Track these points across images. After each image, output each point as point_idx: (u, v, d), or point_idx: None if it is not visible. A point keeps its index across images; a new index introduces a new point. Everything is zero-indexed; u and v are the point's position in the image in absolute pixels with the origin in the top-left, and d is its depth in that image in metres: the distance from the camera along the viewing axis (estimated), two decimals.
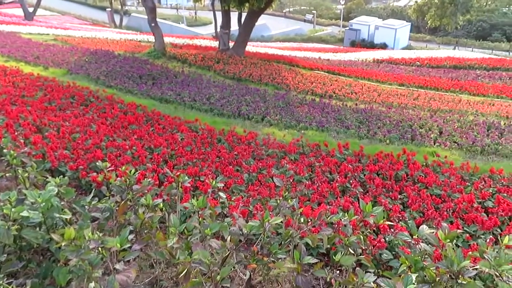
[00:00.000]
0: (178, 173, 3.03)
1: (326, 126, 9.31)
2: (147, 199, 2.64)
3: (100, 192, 3.75)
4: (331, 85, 14.80)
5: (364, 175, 5.83)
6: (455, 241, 3.92)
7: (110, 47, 18.97)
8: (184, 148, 6.21)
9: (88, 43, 20.04)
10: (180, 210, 4.00)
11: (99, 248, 2.13)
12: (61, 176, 3.08)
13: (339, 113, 10.52)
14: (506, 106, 13.01)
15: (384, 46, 36.51)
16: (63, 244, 2.07)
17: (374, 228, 3.91)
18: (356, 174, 5.79)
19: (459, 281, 2.09)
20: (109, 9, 44.21)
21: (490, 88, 16.33)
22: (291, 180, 5.28)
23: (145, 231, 2.60)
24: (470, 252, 2.40)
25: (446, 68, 22.16)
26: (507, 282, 1.85)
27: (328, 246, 2.81)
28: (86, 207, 2.79)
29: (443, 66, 22.71)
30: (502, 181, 5.91)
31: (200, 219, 2.58)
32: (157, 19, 18.55)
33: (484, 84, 17.16)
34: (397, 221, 4.26)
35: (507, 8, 50.07)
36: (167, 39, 21.00)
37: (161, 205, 2.73)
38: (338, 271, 3.25)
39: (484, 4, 49.48)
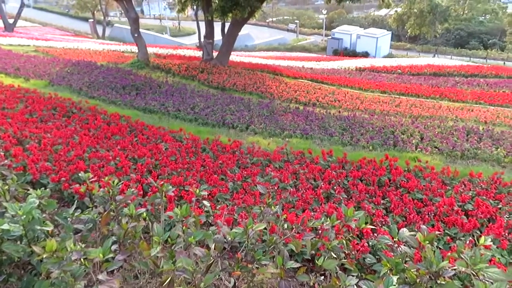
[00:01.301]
0: (162, 183, 3.04)
1: (310, 133, 9.40)
2: (131, 209, 2.63)
3: (83, 203, 3.71)
4: (314, 93, 14.96)
5: (348, 181, 5.90)
6: (436, 243, 4.01)
7: (93, 58, 18.85)
8: (169, 158, 6.20)
9: (70, 54, 19.87)
10: (165, 219, 3.99)
11: (82, 260, 2.12)
12: (43, 188, 3.05)
13: (322, 120, 10.63)
14: (484, 112, 13.34)
15: (366, 55, 37.16)
16: (44, 256, 2.05)
17: (358, 233, 3.97)
18: (340, 180, 5.85)
19: (438, 281, 2.14)
20: (92, 20, 44.03)
21: (469, 94, 16.74)
22: (276, 188, 5.32)
23: (129, 241, 2.59)
24: (449, 253, 2.46)
25: (426, 76, 22.65)
26: (483, 280, 1.91)
27: (313, 252, 2.84)
28: (68, 219, 2.76)
29: (423, 73, 23.21)
30: (481, 184, 6.06)
31: (184, 227, 2.59)
32: (141, 30, 18.55)
33: (463, 91, 17.58)
34: (380, 225, 4.33)
35: (483, 17, 51.58)
36: (150, 49, 20.97)
37: (145, 214, 2.73)
38: (322, 276, 3.29)
39: (461, 13, 50.88)
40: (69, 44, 24.52)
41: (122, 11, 19.16)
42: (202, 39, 19.09)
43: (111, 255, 2.24)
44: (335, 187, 5.53)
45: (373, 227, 3.95)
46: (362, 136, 9.38)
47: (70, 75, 13.98)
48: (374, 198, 5.27)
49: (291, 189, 5.33)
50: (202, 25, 18.64)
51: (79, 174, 3.64)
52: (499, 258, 3.65)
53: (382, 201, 5.23)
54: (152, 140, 7.42)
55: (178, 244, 2.38)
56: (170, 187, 3.10)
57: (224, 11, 15.63)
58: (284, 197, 5.02)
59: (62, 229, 2.82)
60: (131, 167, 5.66)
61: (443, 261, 2.14)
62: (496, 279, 1.90)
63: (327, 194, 5.41)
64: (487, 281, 1.97)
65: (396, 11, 49.13)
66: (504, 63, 35.95)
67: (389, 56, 38.47)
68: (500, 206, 5.32)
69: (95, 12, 45.41)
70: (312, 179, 5.92)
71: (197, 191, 2.97)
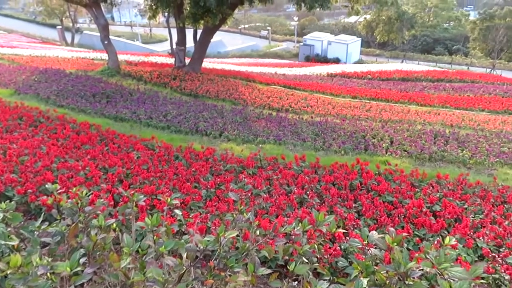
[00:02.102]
0: (133, 192, 2.99)
1: (283, 139, 9.47)
2: (100, 220, 2.58)
3: (51, 216, 3.61)
4: (287, 99, 15.11)
5: (321, 186, 5.97)
6: (406, 244, 4.11)
7: (61, 65, 18.39)
8: (140, 167, 6.11)
9: (37, 62, 19.33)
10: (137, 230, 3.92)
11: (49, 274, 2.06)
12: (8, 201, 2.94)
13: (295, 126, 10.74)
14: (450, 115, 13.82)
15: (337, 61, 37.84)
16: (9, 272, 1.98)
17: (331, 237, 4.02)
18: (312, 185, 5.92)
19: (407, 282, 2.19)
20: (60, 27, 43.03)
21: (436, 98, 17.32)
22: (249, 194, 5.32)
23: (98, 253, 2.53)
24: (417, 254, 2.53)
25: (395, 81, 23.27)
26: (448, 279, 1.97)
27: (287, 257, 2.86)
28: (35, 232, 2.68)
29: (392, 78, 23.84)
30: (448, 185, 6.27)
31: (156, 237, 2.55)
32: (111, 37, 18.25)
33: (430, 95, 18.17)
34: (352, 229, 4.40)
35: (447, 24, 53.56)
36: (121, 57, 20.66)
37: (114, 225, 2.68)
38: (296, 282, 3.31)
39: (427, 20, 52.66)
40: (36, 51, 23.84)
41: (92, 18, 18.81)
42: (174, 46, 18.93)
43: (80, 268, 2.18)
44: (308, 192, 5.59)
45: (345, 230, 4.02)
46: (334, 141, 9.53)
47: (37, 84, 13.59)
48: (346, 202, 5.36)
49: (265, 195, 5.35)
50: (174, 32, 18.52)
51: (46, 186, 3.53)
52: (465, 257, 3.78)
53: (354, 205, 5.33)
54: (124, 148, 7.30)
55: (149, 254, 2.35)
56: (141, 196, 3.06)
57: (195, 18, 15.60)
58: (257, 204, 5.03)
59: (29, 243, 2.73)
60: (102, 176, 5.55)
61: (411, 262, 2.20)
62: (459, 278, 1.97)
63: (300, 199, 5.45)
64: (452, 279, 2.04)
65: (365, 18, 50.40)
66: (468, 68, 37.43)
67: (359, 62, 39.32)
68: (466, 206, 5.51)
69: (63, 18, 44.39)
70: (286, 185, 5.96)
71: (169, 199, 2.95)
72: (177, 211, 3.03)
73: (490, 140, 10.15)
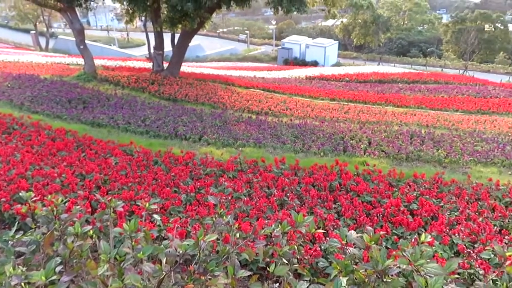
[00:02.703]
0: (110, 198, 2.95)
1: (263, 142, 9.50)
2: (76, 227, 2.53)
3: (26, 224, 3.51)
4: (266, 102, 15.17)
5: (300, 187, 6.01)
6: (384, 243, 4.18)
7: (36, 71, 17.96)
8: (119, 172, 6.02)
9: (11, 68, 18.81)
10: (116, 236, 3.86)
11: (23, 284, 2.01)
12: None
13: (275, 129, 10.79)
14: (425, 116, 14.14)
15: (315, 64, 38.24)
16: None
17: (311, 238, 4.05)
18: (292, 187, 5.96)
19: (385, 279, 2.23)
20: (34, 32, 42.07)
21: (411, 99, 17.69)
22: (229, 198, 5.31)
23: (75, 261, 2.48)
24: (394, 252, 2.58)
25: (372, 83, 23.67)
26: (424, 276, 2.02)
27: (268, 259, 2.87)
28: (9, 241, 2.61)
29: (369, 80, 24.23)
30: (425, 184, 6.41)
31: (134, 243, 2.52)
32: (87, 41, 17.96)
33: (406, 96, 18.55)
34: (332, 229, 4.44)
35: (421, 27, 54.88)
36: (98, 62, 20.34)
37: (91, 232, 2.63)
38: (277, 283, 3.32)
39: (402, 23, 53.85)
40: (9, 56, 23.21)
41: (66, 23, 18.47)
42: (152, 51, 18.76)
43: (56, 277, 2.14)
44: (288, 194, 5.62)
45: (324, 231, 4.05)
46: (314, 142, 9.61)
47: (11, 90, 13.23)
48: (326, 203, 5.41)
49: (245, 198, 5.35)
50: (152, 36, 18.35)
51: (20, 194, 3.44)
52: (441, 254, 3.87)
53: (333, 205, 5.38)
54: (101, 154, 7.18)
55: (128, 260, 2.32)
56: (119, 202, 3.02)
57: (173, 22, 15.50)
58: (238, 207, 5.03)
59: (3, 253, 2.66)
60: (79, 183, 5.44)
61: (388, 260, 2.24)
62: (435, 273, 2.02)
63: (280, 202, 5.48)
64: (428, 275, 2.08)
65: (342, 21, 51.19)
66: (441, 69, 38.39)
67: (337, 64, 39.83)
68: (441, 204, 5.64)
69: (37, 23, 43.43)
70: (266, 187, 5.98)
71: (147, 205, 2.92)
72: (155, 216, 3.00)
73: (464, 140, 10.43)
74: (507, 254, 2.35)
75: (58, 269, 2.33)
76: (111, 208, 2.97)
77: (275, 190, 5.76)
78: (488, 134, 11.43)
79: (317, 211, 4.94)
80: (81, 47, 16.68)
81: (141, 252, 2.24)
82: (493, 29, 43.77)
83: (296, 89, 19.25)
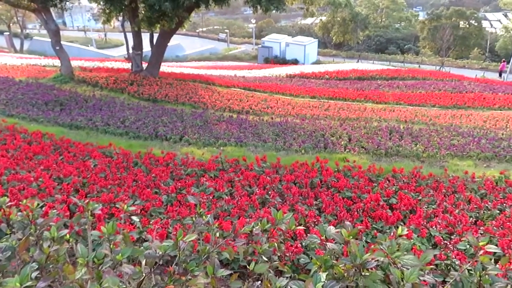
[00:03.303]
0: (87, 201, 2.90)
1: (244, 141, 9.51)
2: (52, 231, 2.48)
3: (0, 230, 3.43)
4: (247, 101, 15.17)
5: (282, 185, 6.04)
6: (364, 237, 4.24)
7: (10, 73, 17.51)
8: (98, 175, 5.93)
9: None
10: (95, 240, 3.81)
11: None
12: None
13: (256, 127, 10.81)
14: (404, 112, 14.38)
15: (295, 62, 38.40)
16: None
17: (292, 235, 4.09)
18: (274, 185, 5.98)
19: (363, 273, 2.27)
20: (7, 33, 41.01)
21: (390, 96, 17.97)
22: (211, 197, 5.30)
23: (51, 266, 2.44)
24: (373, 246, 2.62)
25: (352, 80, 23.91)
26: (400, 268, 2.06)
27: (250, 258, 2.88)
28: None
29: (349, 78, 24.47)
30: (403, 179, 6.52)
31: (113, 246, 2.49)
32: (63, 42, 17.58)
33: (385, 93, 18.82)
34: (313, 225, 4.48)
35: (398, 24, 55.75)
36: (75, 63, 19.97)
37: (68, 236, 2.59)
38: (259, 281, 3.34)
39: (380, 20, 54.59)
40: None
41: (41, 23, 18.07)
42: (130, 51, 18.50)
43: (32, 282, 2.09)
44: (269, 192, 5.63)
45: (305, 228, 4.09)
46: (295, 140, 9.67)
47: None
48: (307, 199, 5.45)
49: (227, 197, 5.35)
50: (130, 36, 18.10)
51: None
52: (419, 246, 3.95)
53: (314, 202, 5.43)
54: (80, 157, 7.07)
55: (106, 263, 2.29)
56: (97, 205, 2.97)
57: (151, 22, 15.34)
58: (219, 206, 5.02)
59: None
60: (56, 187, 5.33)
61: (365, 254, 2.28)
62: (411, 265, 2.06)
63: (262, 200, 5.49)
64: (404, 267, 2.13)
65: (321, 19, 51.57)
66: (419, 66, 39.11)
67: (317, 62, 40.11)
68: (420, 198, 5.76)
69: (11, 24, 42.34)
70: (248, 186, 5.98)
71: (125, 206, 2.88)
72: (134, 217, 2.97)
73: (441, 134, 10.66)
74: (481, 244, 2.42)
75: (34, 274, 2.29)
76: (88, 211, 2.93)
77: (257, 189, 5.77)
78: (464, 128, 11.71)
79: (298, 208, 4.97)
80: (57, 48, 16.34)
81: (120, 254, 2.21)
82: (467, 26, 44.78)
83: (277, 88, 19.31)
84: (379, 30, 52.07)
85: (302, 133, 10.32)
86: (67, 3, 17.01)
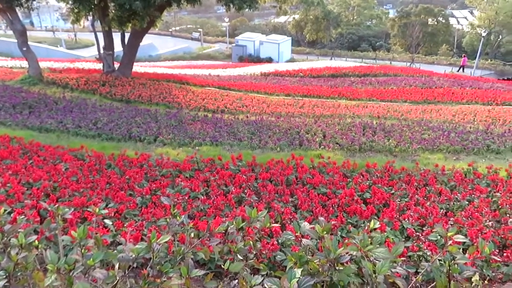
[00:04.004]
0: (57, 206, 2.83)
1: (220, 140, 9.47)
2: (20, 238, 2.40)
3: None
4: (222, 100, 15.11)
5: (258, 183, 6.05)
6: (340, 232, 4.30)
7: None
8: (69, 179, 5.79)
9: None
10: (68, 245, 3.71)
11: None
12: None
13: (231, 126, 10.78)
14: (376, 108, 14.66)
15: (269, 60, 38.50)
16: None
17: (269, 233, 4.10)
18: (250, 183, 5.98)
19: (337, 267, 2.30)
20: None
21: (363, 92, 18.28)
22: (186, 198, 5.26)
23: (20, 274, 2.37)
24: (346, 240, 2.66)
25: (326, 77, 24.19)
26: (372, 261, 2.10)
27: (226, 257, 2.87)
28: None
29: (322, 75, 24.74)
30: (377, 173, 6.65)
31: (84, 250, 2.44)
32: (31, 43, 17.02)
33: (358, 89, 19.13)
34: (289, 222, 4.51)
35: (370, 22, 56.72)
36: (44, 64, 19.39)
37: (37, 242, 2.51)
38: (236, 280, 3.33)
39: (351, 18, 55.35)
40: None
41: (7, 23, 17.45)
42: (101, 51, 18.09)
43: None
44: (245, 191, 5.64)
45: (280, 225, 4.11)
46: (270, 138, 9.70)
47: None
48: (283, 197, 5.48)
49: (202, 197, 5.32)
50: (101, 36, 17.70)
51: None
52: (392, 239, 4.04)
53: (290, 199, 5.47)
54: (50, 161, 6.87)
55: (77, 269, 2.23)
56: (67, 209, 2.90)
57: (121, 21, 15.04)
58: (195, 206, 4.99)
59: None
60: (26, 192, 5.17)
61: (339, 248, 2.31)
62: (382, 258, 2.10)
63: (238, 198, 5.49)
64: (377, 260, 2.17)
65: (294, 18, 51.89)
66: (390, 62, 39.89)
67: (291, 60, 40.33)
68: (393, 191, 5.89)
69: None
70: (223, 185, 5.97)
71: (97, 210, 2.82)
72: (106, 220, 2.92)
73: (412, 129, 10.92)
74: (449, 234, 2.49)
75: (1, 283, 2.22)
76: (58, 216, 2.85)
77: (233, 187, 5.76)
78: (434, 123, 12.04)
79: (274, 206, 5.00)
80: (24, 49, 15.81)
81: (91, 259, 2.16)
82: (435, 23, 46.00)
83: (252, 86, 19.31)
84: (351, 28, 52.81)
85: (277, 131, 10.36)
86: (34, 2, 16.49)
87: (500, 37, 42.74)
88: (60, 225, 2.83)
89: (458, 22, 60.59)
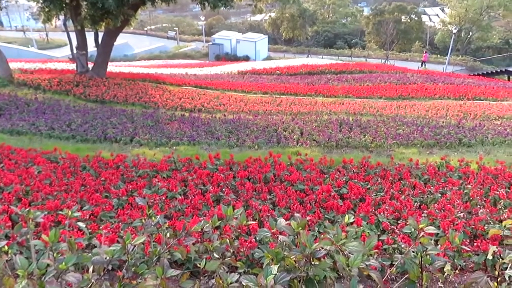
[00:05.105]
0: (28, 210, 2.75)
1: (197, 139, 9.42)
2: None
3: None
4: (199, 99, 15.03)
5: (236, 181, 6.05)
6: (317, 228, 4.34)
7: None
8: (42, 182, 5.64)
9: None
10: (41, 249, 3.62)
11: None
12: None
13: (209, 125, 10.74)
14: (353, 104, 14.87)
15: (246, 58, 38.53)
16: None
17: (247, 230, 4.11)
18: (228, 182, 5.98)
19: (313, 262, 2.32)
20: None
21: (339, 89, 18.50)
22: (164, 198, 5.21)
23: None
24: (322, 236, 2.69)
25: (302, 75, 24.37)
26: (346, 254, 2.13)
27: (205, 256, 2.86)
28: None
29: (299, 73, 24.91)
30: (353, 169, 6.75)
31: (57, 254, 2.39)
32: (0, 43, 16.47)
33: (334, 87, 19.35)
34: (267, 220, 4.53)
35: (345, 20, 57.42)
36: (14, 65, 18.81)
37: (6, 247, 2.45)
38: (213, 279, 3.33)
39: (327, 16, 55.92)
40: None
41: None
42: (74, 51, 17.67)
43: None
44: (223, 189, 5.63)
45: (259, 222, 4.12)
46: (248, 136, 9.71)
47: None
48: (261, 194, 5.50)
49: (180, 197, 5.29)
50: (74, 35, 17.28)
51: None
52: (368, 233, 4.11)
53: (268, 196, 5.49)
54: (22, 164, 6.68)
55: (49, 273, 2.19)
56: (38, 213, 2.83)
57: (94, 20, 14.75)
58: (172, 206, 4.95)
59: None
60: None
61: (314, 244, 2.34)
62: (356, 251, 2.14)
63: (216, 197, 5.48)
64: (350, 254, 2.21)
65: (270, 16, 52.03)
66: (366, 59, 40.54)
67: (268, 58, 40.46)
68: (369, 186, 5.99)
69: None
70: (201, 184, 5.94)
71: (70, 212, 2.77)
72: (80, 223, 2.86)
73: (387, 124, 11.13)
74: (420, 226, 2.55)
75: None
76: (30, 220, 2.78)
77: (211, 187, 5.75)
78: (408, 118, 12.30)
79: (252, 203, 5.01)
80: None
81: (63, 263, 2.12)
82: (408, 20, 46.99)
83: (229, 85, 19.28)
84: (326, 26, 53.32)
85: (255, 129, 10.38)
86: (2, 1, 15.98)
87: (470, 33, 43.99)
88: (32, 229, 2.77)
89: (430, 20, 62.00)
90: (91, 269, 2.32)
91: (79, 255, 2.27)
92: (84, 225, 2.87)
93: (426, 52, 36.09)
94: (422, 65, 33.14)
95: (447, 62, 35.49)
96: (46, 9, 15.55)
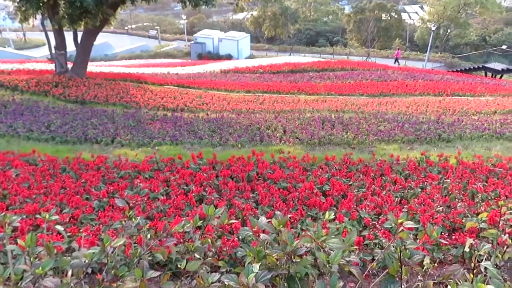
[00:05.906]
0: (3, 214, 2.69)
1: (180, 139, 9.35)
2: None
3: None
4: (182, 98, 14.92)
5: (219, 181, 6.04)
6: (300, 225, 4.37)
7: None
8: (20, 185, 5.52)
9: None
10: (19, 254, 3.55)
11: None
12: None
13: (191, 125, 10.68)
14: (335, 101, 14.99)
15: (229, 57, 38.43)
16: None
17: (230, 229, 4.11)
18: (210, 181, 5.96)
19: (294, 260, 2.34)
20: None
21: (322, 87, 18.62)
22: (146, 199, 5.16)
23: None
24: (303, 233, 2.71)
25: (285, 73, 24.44)
26: (327, 251, 2.15)
27: (187, 256, 2.84)
28: None
29: (282, 71, 24.98)
30: (335, 166, 6.81)
31: (34, 259, 2.34)
32: None
33: (316, 84, 19.47)
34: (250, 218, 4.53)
35: (326, 18, 57.81)
36: None
37: None
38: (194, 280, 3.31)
39: (308, 14, 56.22)
40: None
41: None
42: (53, 51, 17.32)
43: None
44: (206, 189, 5.61)
45: (242, 221, 4.12)
46: (231, 135, 9.69)
47: None
48: (244, 193, 5.49)
49: (162, 198, 5.24)
50: (52, 35, 16.92)
51: None
52: (350, 229, 4.15)
53: (251, 195, 5.49)
54: None
55: (26, 278, 2.14)
56: (15, 217, 2.77)
57: (73, 20, 14.46)
58: (155, 207, 4.91)
59: None
60: None
61: (295, 241, 2.35)
62: (336, 248, 2.16)
63: (199, 197, 5.45)
64: (331, 250, 2.22)
65: (252, 14, 52.01)
66: (347, 57, 40.92)
67: (251, 57, 40.45)
68: (351, 183, 6.05)
69: None
70: (184, 184, 5.90)
71: (47, 216, 2.72)
72: (58, 227, 2.81)
73: (369, 121, 11.26)
74: (399, 221, 2.59)
75: None
76: (6, 224, 2.72)
77: (193, 186, 5.71)
78: (389, 115, 12.46)
79: (235, 202, 5.00)
80: None
81: (40, 268, 2.08)
82: (389, 18, 47.61)
83: (212, 84, 19.20)
84: (308, 24, 53.61)
85: (238, 128, 10.36)
86: None
87: (449, 31, 44.85)
88: (8, 234, 2.70)
89: (410, 17, 63.01)
90: (69, 273, 2.28)
91: (57, 259, 2.23)
92: (63, 228, 2.81)
93: (398, 49, 36.73)
94: (395, 62, 33.65)
95: (427, 59, 36.12)
96: (23, 8, 15.21)
